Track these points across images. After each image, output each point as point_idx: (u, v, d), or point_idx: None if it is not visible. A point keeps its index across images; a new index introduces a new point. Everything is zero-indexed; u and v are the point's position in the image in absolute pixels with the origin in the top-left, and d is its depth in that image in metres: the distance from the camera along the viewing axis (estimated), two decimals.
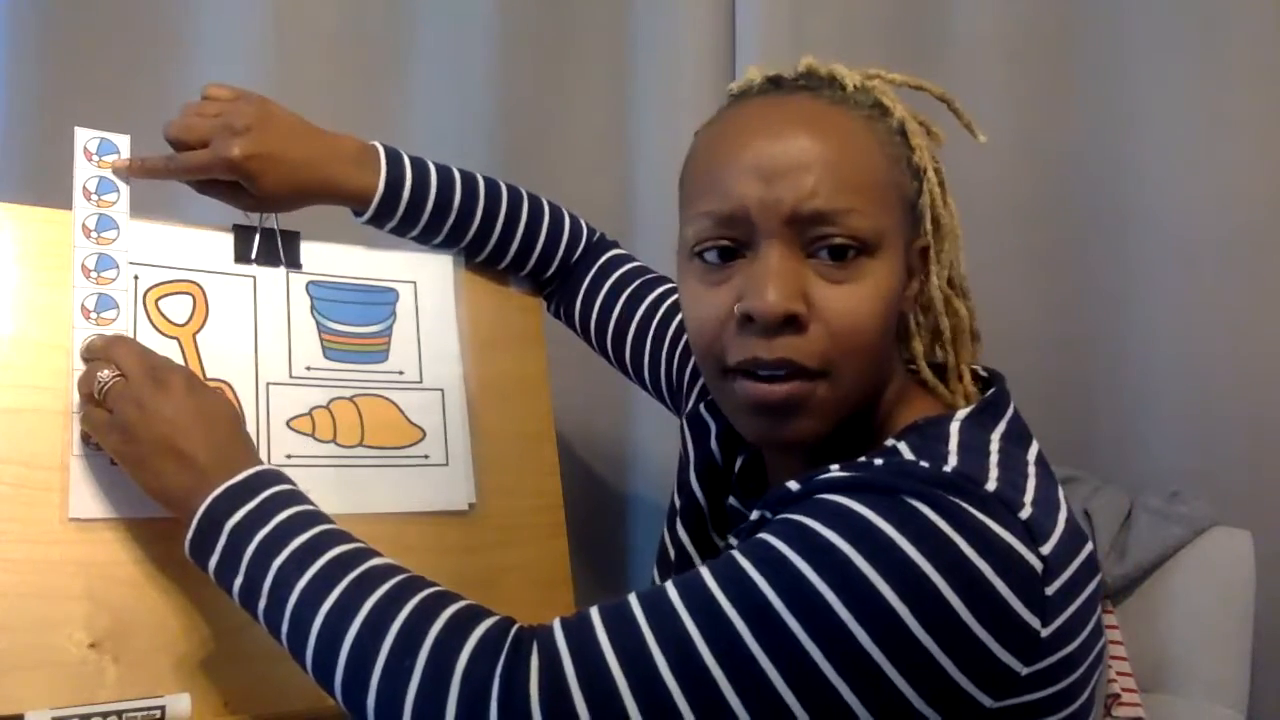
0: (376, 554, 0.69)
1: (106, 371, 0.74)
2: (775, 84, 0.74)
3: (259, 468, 0.72)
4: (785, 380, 0.67)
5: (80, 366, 0.78)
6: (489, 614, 0.65)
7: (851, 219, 0.67)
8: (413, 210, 0.93)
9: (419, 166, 0.93)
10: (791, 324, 0.66)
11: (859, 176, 0.68)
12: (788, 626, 0.58)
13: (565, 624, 0.63)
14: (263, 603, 0.67)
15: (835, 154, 0.68)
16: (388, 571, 0.67)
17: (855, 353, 0.67)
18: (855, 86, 0.72)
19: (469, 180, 0.96)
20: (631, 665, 0.59)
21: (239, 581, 0.68)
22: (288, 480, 0.72)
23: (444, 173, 0.95)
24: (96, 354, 0.77)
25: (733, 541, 0.78)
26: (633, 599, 0.63)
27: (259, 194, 0.87)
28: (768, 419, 0.69)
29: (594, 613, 0.63)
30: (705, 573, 0.62)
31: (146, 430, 0.72)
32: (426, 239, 0.96)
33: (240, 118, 0.86)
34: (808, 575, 0.59)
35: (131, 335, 0.82)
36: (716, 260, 0.69)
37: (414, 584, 0.67)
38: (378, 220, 0.93)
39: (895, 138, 0.71)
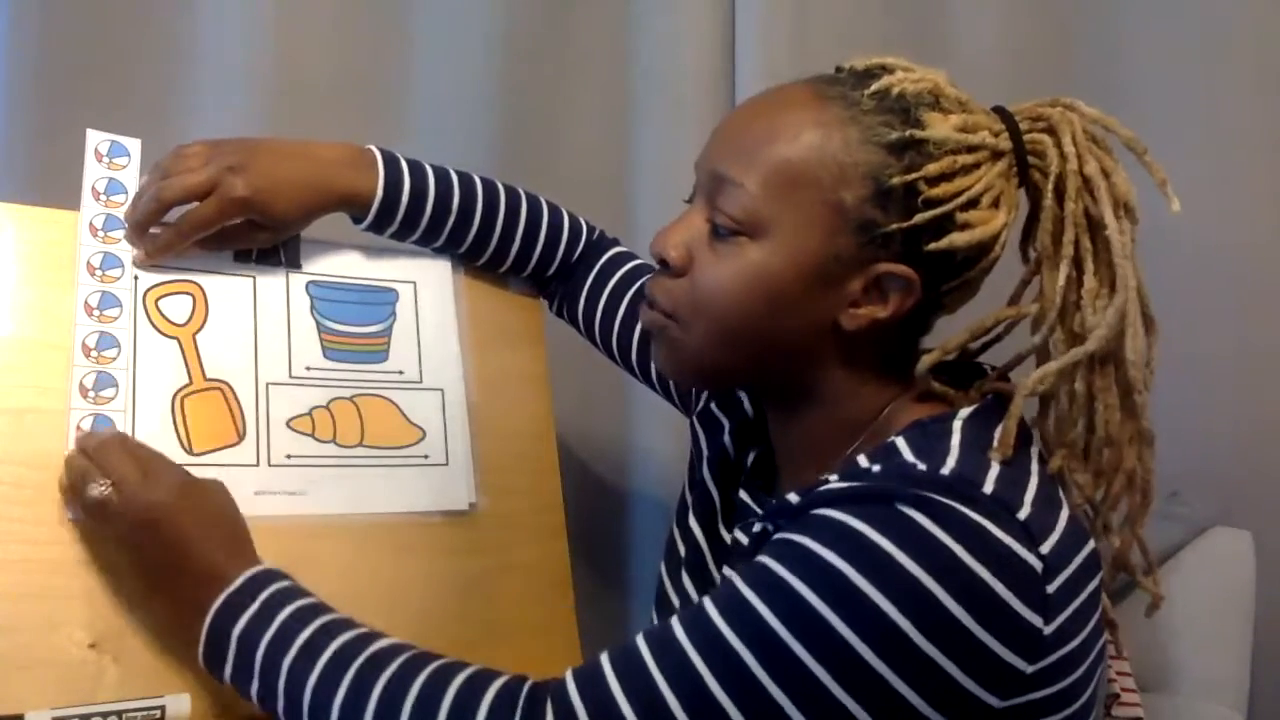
0: (381, 636, 0.70)
1: (98, 487, 0.72)
2: (835, 71, 0.74)
3: (254, 569, 0.72)
4: (650, 310, 0.76)
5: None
6: (500, 674, 0.66)
7: (738, 194, 0.69)
8: (413, 211, 0.92)
9: (416, 167, 0.93)
10: (668, 267, 0.73)
11: (773, 160, 0.69)
12: (792, 651, 0.59)
13: (577, 675, 0.64)
14: (281, 703, 0.68)
15: (764, 133, 0.70)
16: (394, 651, 0.68)
17: (705, 317, 0.72)
18: (888, 92, 0.69)
19: (466, 180, 0.96)
20: (646, 711, 0.60)
21: (255, 686, 0.69)
22: (284, 576, 0.73)
23: (441, 173, 0.94)
24: (87, 452, 0.75)
25: (740, 538, 0.79)
26: (640, 642, 0.64)
27: (273, 223, 0.86)
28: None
29: (604, 660, 0.64)
30: (709, 605, 0.63)
31: (144, 547, 0.72)
32: (428, 242, 0.96)
33: (229, 157, 0.84)
34: (807, 597, 0.59)
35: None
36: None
37: (423, 659, 0.67)
38: (379, 224, 0.92)
39: (890, 156, 0.68)
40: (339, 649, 0.68)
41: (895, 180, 0.68)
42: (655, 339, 0.77)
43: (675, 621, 0.64)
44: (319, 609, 0.71)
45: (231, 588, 0.71)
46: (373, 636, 0.69)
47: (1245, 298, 1.17)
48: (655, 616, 0.90)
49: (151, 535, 0.72)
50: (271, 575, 0.73)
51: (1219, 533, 0.98)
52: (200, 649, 0.71)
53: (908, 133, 0.68)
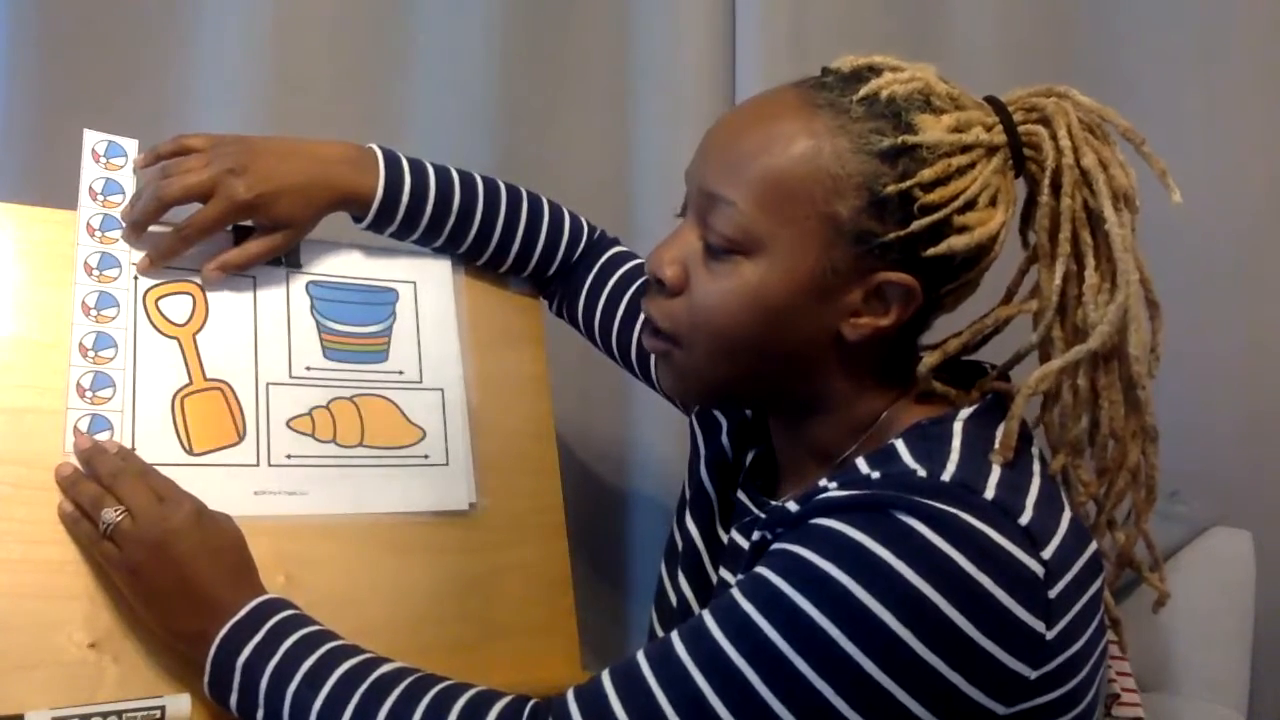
0: (385, 661, 0.70)
1: (112, 512, 0.73)
2: (821, 74, 0.72)
3: (260, 598, 0.73)
4: (651, 335, 0.74)
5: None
6: (501, 696, 0.66)
7: (730, 213, 0.68)
8: (413, 211, 0.92)
9: (417, 166, 0.93)
10: (664, 287, 0.72)
11: (764, 176, 0.67)
12: (794, 666, 0.59)
13: (579, 694, 0.64)
14: None
15: (753, 147, 0.68)
16: (397, 676, 0.68)
17: (705, 337, 0.71)
18: (877, 96, 0.67)
19: (467, 179, 0.96)
20: None
21: (260, 715, 0.69)
22: (289, 605, 0.74)
23: (442, 172, 0.94)
24: (98, 475, 0.75)
25: (739, 540, 0.79)
26: (641, 659, 0.64)
27: (278, 223, 0.87)
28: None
29: (605, 679, 0.64)
30: (709, 619, 0.63)
31: (156, 575, 0.72)
32: (428, 241, 0.96)
33: (229, 159, 0.84)
34: (807, 611, 0.59)
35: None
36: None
37: (425, 683, 0.68)
38: (379, 224, 0.92)
39: (883, 164, 0.66)
40: (343, 676, 0.68)
41: (890, 189, 0.66)
42: (658, 361, 0.77)
43: (675, 637, 0.63)
44: (323, 636, 0.71)
45: (236, 617, 0.71)
46: (377, 662, 0.70)
47: (1246, 295, 1.17)
48: (655, 616, 0.90)
49: (161, 563, 0.72)
50: (276, 605, 0.73)
51: (1219, 533, 0.99)
52: (205, 678, 0.71)
53: (900, 139, 0.66)
